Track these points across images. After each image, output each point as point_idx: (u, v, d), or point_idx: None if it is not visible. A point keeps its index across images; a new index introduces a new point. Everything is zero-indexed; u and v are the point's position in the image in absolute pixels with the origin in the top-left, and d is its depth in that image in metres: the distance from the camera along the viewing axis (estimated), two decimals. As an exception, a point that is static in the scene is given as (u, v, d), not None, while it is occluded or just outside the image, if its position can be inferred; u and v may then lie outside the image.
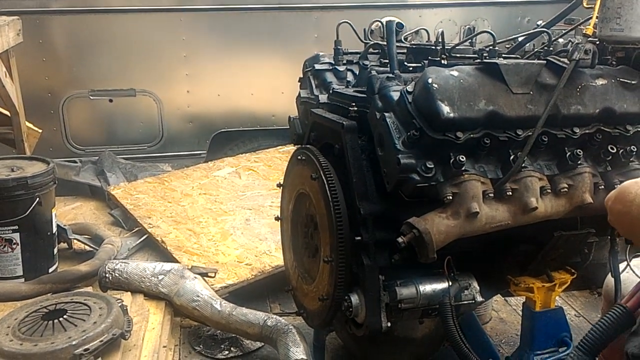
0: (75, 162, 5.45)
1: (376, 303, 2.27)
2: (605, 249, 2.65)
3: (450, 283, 2.31)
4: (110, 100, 5.53)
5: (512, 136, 2.17)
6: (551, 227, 2.37)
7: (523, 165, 2.19)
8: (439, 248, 2.12)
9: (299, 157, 2.64)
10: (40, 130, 5.04)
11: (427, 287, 2.29)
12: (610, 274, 2.68)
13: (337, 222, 2.32)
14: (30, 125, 4.91)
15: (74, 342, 2.68)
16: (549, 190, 2.25)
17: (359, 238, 2.28)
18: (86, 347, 2.69)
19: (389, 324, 2.28)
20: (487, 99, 2.13)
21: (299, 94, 3.07)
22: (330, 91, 2.77)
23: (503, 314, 3.89)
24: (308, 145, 2.68)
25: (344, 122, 2.40)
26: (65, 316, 2.87)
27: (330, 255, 2.38)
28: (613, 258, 2.62)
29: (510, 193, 2.19)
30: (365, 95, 2.40)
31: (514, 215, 2.21)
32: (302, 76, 3.13)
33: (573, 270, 2.62)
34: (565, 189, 2.26)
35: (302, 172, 2.64)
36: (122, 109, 5.59)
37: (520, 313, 3.72)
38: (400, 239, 2.09)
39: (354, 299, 2.34)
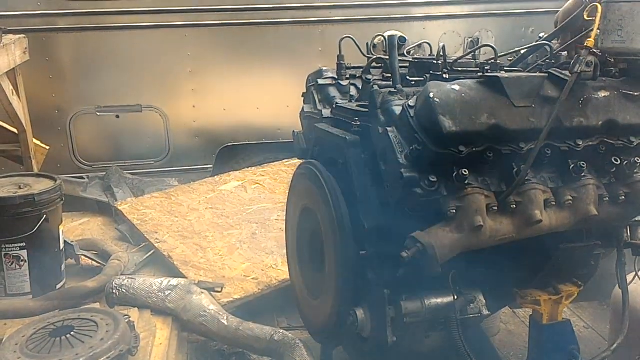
0: (82, 178, 5.46)
1: (382, 317, 2.27)
2: (613, 260, 2.64)
3: (456, 297, 2.30)
4: (117, 116, 5.54)
5: (515, 149, 2.17)
6: (556, 239, 2.37)
7: (527, 178, 2.18)
8: (444, 262, 2.12)
9: (303, 172, 2.65)
10: (47, 147, 5.07)
11: (433, 301, 2.29)
12: (618, 285, 2.67)
13: (341, 236, 2.32)
14: (38, 142, 4.94)
15: (81, 359, 2.67)
16: (554, 203, 2.24)
17: (363, 252, 2.29)
18: (93, 364, 2.69)
19: (395, 339, 2.28)
20: (489, 113, 2.13)
21: (303, 108, 3.09)
22: (334, 106, 2.79)
23: (511, 326, 3.88)
24: (312, 160, 2.69)
25: (347, 137, 2.41)
26: (72, 333, 2.86)
27: (335, 270, 2.38)
28: (620, 269, 2.62)
29: (514, 206, 2.18)
30: (368, 110, 2.41)
31: (518, 228, 2.20)
32: (305, 91, 3.15)
33: (580, 283, 2.61)
34: (570, 201, 2.25)
35: (306, 186, 2.65)
36: (128, 125, 5.59)
37: (527, 324, 3.72)
38: (404, 253, 2.09)
39: (360, 313, 2.35)
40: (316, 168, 2.54)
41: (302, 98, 3.17)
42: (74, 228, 4.98)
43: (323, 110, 2.87)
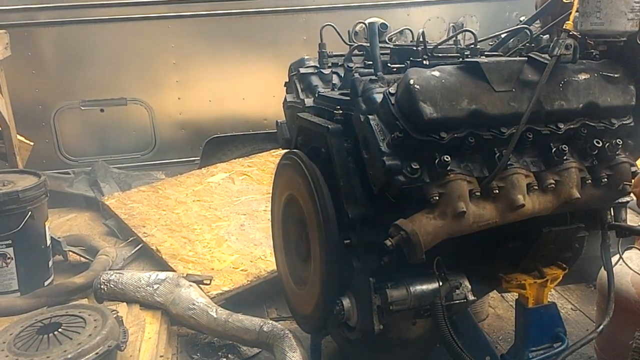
0: (68, 173, 5.43)
1: (367, 306, 2.27)
2: (598, 242, 2.65)
3: (441, 283, 2.30)
4: (102, 110, 5.51)
5: (497, 134, 2.17)
6: (540, 223, 2.37)
7: (509, 162, 2.18)
8: (428, 249, 2.12)
9: (286, 162, 2.64)
10: (31, 143, 5.02)
11: (418, 288, 2.28)
12: (603, 267, 2.69)
13: (325, 226, 2.32)
14: (22, 139, 4.88)
15: (69, 356, 2.66)
16: (536, 187, 2.24)
17: (348, 241, 2.29)
18: (82, 360, 2.69)
19: (381, 327, 2.28)
20: (470, 98, 2.12)
21: (285, 98, 3.07)
22: (316, 95, 2.77)
23: (500, 311, 3.89)
24: (295, 150, 2.68)
25: (330, 126, 2.40)
26: (60, 330, 2.85)
27: (320, 259, 2.38)
28: (605, 251, 2.63)
29: (497, 191, 2.18)
30: (349, 98, 2.40)
31: (501, 213, 2.20)
32: (287, 80, 3.13)
33: (565, 266, 2.62)
34: (552, 185, 2.25)
35: (290, 176, 2.64)
36: (113, 119, 5.57)
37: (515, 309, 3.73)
38: (388, 241, 2.09)
39: (346, 302, 2.35)
40: (299, 158, 2.53)
41: (285, 87, 3.15)
42: (61, 224, 4.96)
43: (305, 100, 2.86)
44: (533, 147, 2.26)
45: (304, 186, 2.46)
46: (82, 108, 5.48)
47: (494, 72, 2.17)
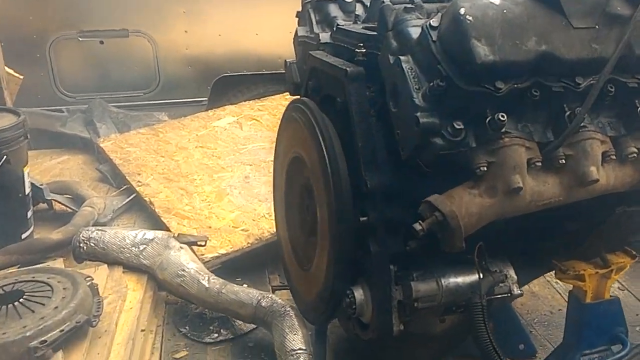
0: (62, 111, 5.01)
1: (386, 300, 1.84)
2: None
3: (482, 275, 1.84)
4: (101, 42, 5.07)
5: (570, 85, 1.72)
6: (611, 201, 1.92)
7: (582, 124, 1.73)
8: (469, 234, 1.67)
9: (293, 113, 2.15)
10: (21, 77, 4.62)
11: (452, 281, 1.86)
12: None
13: (337, 197, 1.84)
14: (10, 71, 4.48)
15: (28, 333, 2.29)
16: (613, 157, 1.82)
17: (364, 218, 1.83)
18: (43, 338, 2.30)
19: (402, 327, 1.83)
20: (539, 36, 1.67)
21: (297, 31, 2.56)
22: (334, 28, 2.27)
23: (535, 287, 3.43)
24: (304, 98, 2.19)
25: (348, 69, 1.90)
26: (21, 300, 2.48)
27: (328, 239, 1.91)
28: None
29: (564, 161, 1.75)
30: (376, 33, 1.91)
31: (567, 190, 1.77)
32: (300, 10, 2.61)
33: (634, 252, 2.17)
34: (635, 155, 1.82)
35: (296, 131, 2.15)
36: (114, 52, 5.12)
37: (554, 284, 3.27)
38: (418, 225, 1.63)
39: (358, 294, 1.90)
40: (308, 108, 2.04)
41: (297, 18, 2.63)
42: (51, 167, 4.61)
43: (321, 34, 2.34)
44: (613, 105, 1.81)
45: (312, 145, 1.98)
46: (80, 39, 5.03)
47: (572, 2, 1.71)
